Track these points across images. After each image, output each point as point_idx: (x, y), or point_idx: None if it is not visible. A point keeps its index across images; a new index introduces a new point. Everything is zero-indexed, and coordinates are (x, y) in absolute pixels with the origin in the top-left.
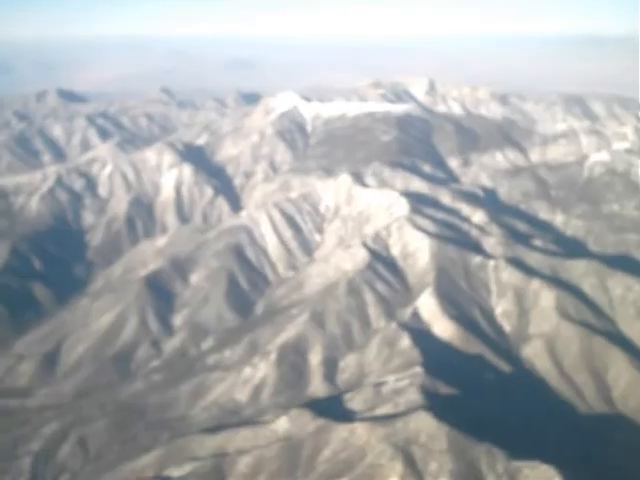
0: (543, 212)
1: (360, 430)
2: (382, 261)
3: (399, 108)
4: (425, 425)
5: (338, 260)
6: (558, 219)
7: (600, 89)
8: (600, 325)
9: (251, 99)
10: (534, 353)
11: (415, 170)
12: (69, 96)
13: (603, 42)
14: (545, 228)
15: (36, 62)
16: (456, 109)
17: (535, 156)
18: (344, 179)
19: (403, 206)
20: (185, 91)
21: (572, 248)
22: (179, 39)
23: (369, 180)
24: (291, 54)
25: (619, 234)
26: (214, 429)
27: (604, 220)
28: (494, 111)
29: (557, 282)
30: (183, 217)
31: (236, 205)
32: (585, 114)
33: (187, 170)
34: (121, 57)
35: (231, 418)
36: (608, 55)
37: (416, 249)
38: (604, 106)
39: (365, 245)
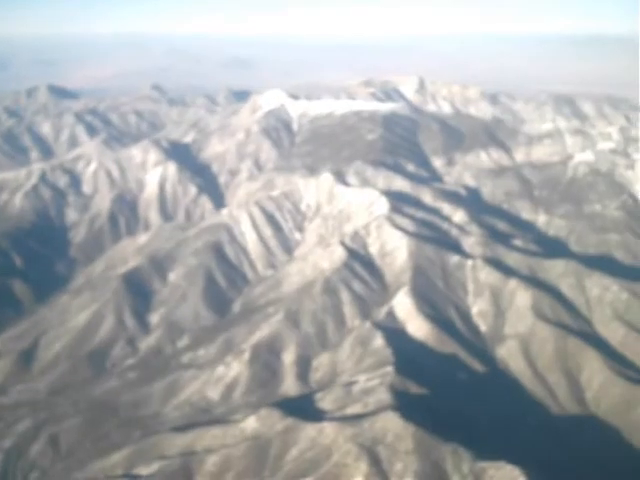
0: (526, 212)
1: (328, 430)
2: (360, 260)
3: (386, 107)
4: (392, 425)
5: (316, 259)
6: (540, 219)
7: (596, 89)
8: (576, 325)
9: (242, 97)
10: (509, 353)
11: (398, 169)
12: (60, 92)
13: (603, 42)
14: (527, 228)
15: (34, 59)
16: (446, 108)
17: (520, 156)
18: (326, 178)
19: (383, 205)
20: (179, 89)
21: (553, 248)
22: (178, 37)
23: (351, 179)
24: (290, 53)
25: (601, 234)
26: (184, 427)
27: (586, 220)
28: (484, 110)
29: (535, 282)
30: (166, 215)
31: (220, 203)
32: (574, 114)
33: (171, 168)
34: (119, 55)
35: (202, 416)
36: (607, 55)
37: (394, 248)
38: (594, 106)
39: (343, 244)
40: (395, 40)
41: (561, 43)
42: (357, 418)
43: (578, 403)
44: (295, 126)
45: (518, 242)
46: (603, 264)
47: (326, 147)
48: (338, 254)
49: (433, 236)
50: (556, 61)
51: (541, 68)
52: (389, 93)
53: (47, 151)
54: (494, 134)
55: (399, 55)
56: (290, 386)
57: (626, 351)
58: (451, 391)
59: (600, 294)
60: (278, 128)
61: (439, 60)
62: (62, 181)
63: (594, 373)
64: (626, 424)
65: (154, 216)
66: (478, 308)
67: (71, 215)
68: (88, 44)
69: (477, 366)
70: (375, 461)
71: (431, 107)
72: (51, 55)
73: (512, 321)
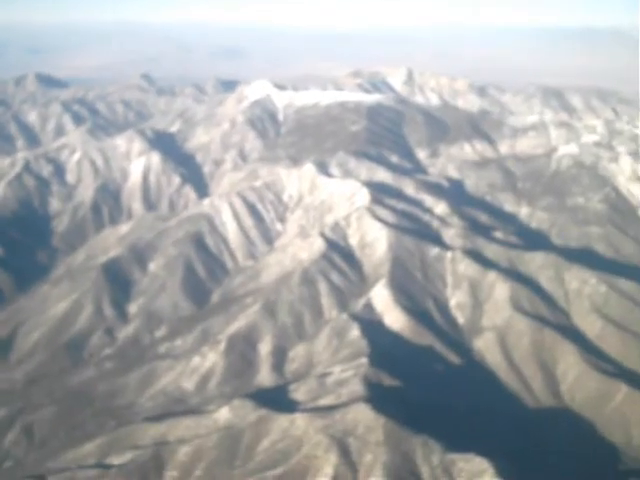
0: (509, 204)
1: (299, 421)
2: (339, 251)
3: (371, 98)
4: (363, 417)
5: (295, 249)
6: (523, 211)
7: (589, 82)
8: (554, 318)
9: (230, 86)
10: (485, 345)
11: (382, 160)
12: (48, 81)
13: (599, 34)
14: (509, 220)
15: (25, 47)
16: (433, 100)
17: (504, 148)
18: (308, 169)
19: (364, 196)
20: (170, 79)
21: (535, 240)
22: (171, 26)
23: (334, 170)
24: (283, 42)
25: (582, 227)
26: (158, 418)
27: (568, 213)
28: (472, 102)
29: (514, 274)
30: (150, 205)
31: (205, 193)
32: (562, 107)
33: (155, 158)
34: (111, 44)
35: (177, 407)
36: (603, 47)
37: (374, 239)
38: (581, 99)
39: (323, 235)
40: (390, 31)
41: (556, 35)
42: (329, 409)
43: (553, 396)
44: (281, 116)
45: (499, 234)
46: (584, 257)
47: (310, 138)
48: (317, 245)
49: (413, 228)
50: (550, 53)
51: (534, 60)
52: (377, 84)
53: (33, 140)
54: (479, 126)
55: (393, 46)
56: (265, 377)
57: (603, 344)
58: (426, 383)
59: (579, 287)
60: (263, 118)
61: (432, 51)
62: (46, 170)
63: (570, 366)
64: (600, 417)
65: (137, 206)
66: (456, 300)
67: (54, 204)
68: (81, 32)
69: (453, 358)
70: (345, 452)
71: (419, 99)
72: (43, 43)
73: (490, 313)
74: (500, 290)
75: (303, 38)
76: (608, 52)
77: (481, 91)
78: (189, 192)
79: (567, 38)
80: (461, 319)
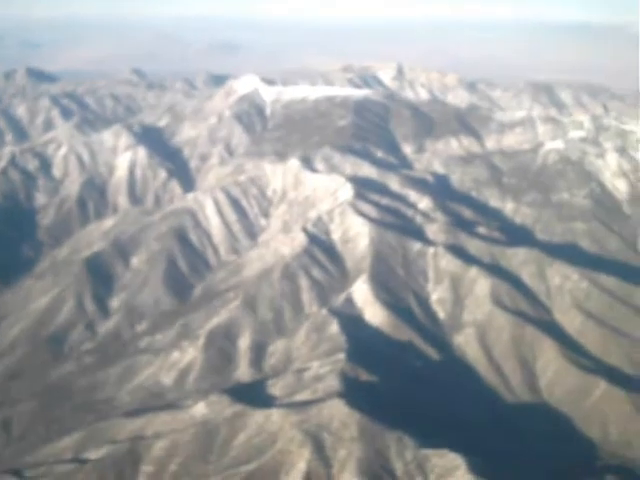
0: (494, 199)
1: (275, 416)
2: (321, 246)
3: (359, 93)
4: (337, 412)
5: (277, 244)
6: (508, 207)
7: (584, 78)
8: (535, 314)
9: (221, 81)
10: (465, 341)
11: (367, 155)
12: (39, 75)
13: (598, 30)
14: (494, 216)
15: (19, 41)
16: (423, 95)
17: (491, 143)
18: (293, 164)
19: (348, 191)
20: (164, 73)
21: (520, 236)
22: (167, 20)
23: (318, 165)
24: (281, 37)
25: (567, 223)
26: (135, 412)
27: (553, 208)
28: (461, 98)
29: (496, 270)
30: (135, 199)
31: (191, 188)
32: (552, 102)
33: (141, 152)
34: (107, 38)
35: (155, 402)
36: (602, 44)
37: (356, 234)
38: (571, 94)
39: (305, 230)
40: (388, 25)
41: (555, 31)
42: (304, 405)
43: (532, 391)
44: (268, 111)
45: (482, 230)
46: (567, 253)
47: (297, 132)
48: (299, 240)
49: (396, 223)
50: (548, 49)
51: (530, 56)
52: (367, 79)
53: (22, 134)
54: (466, 121)
55: (390, 40)
56: (244, 372)
57: (583, 340)
58: (404, 378)
59: (560, 282)
60: (251, 113)
61: (426, 46)
62: (32, 165)
63: (549, 361)
64: (578, 413)
65: (123, 200)
66: (437, 295)
67: (40, 199)
68: (78, 26)
69: (433, 353)
70: (319, 448)
71: (409, 94)
72: (40, 37)
73: (470, 309)
74: (481, 285)
75: (302, 32)
76: (608, 48)
77: (471, 86)
78: (175, 187)
79: (565, 34)
80: (442, 314)
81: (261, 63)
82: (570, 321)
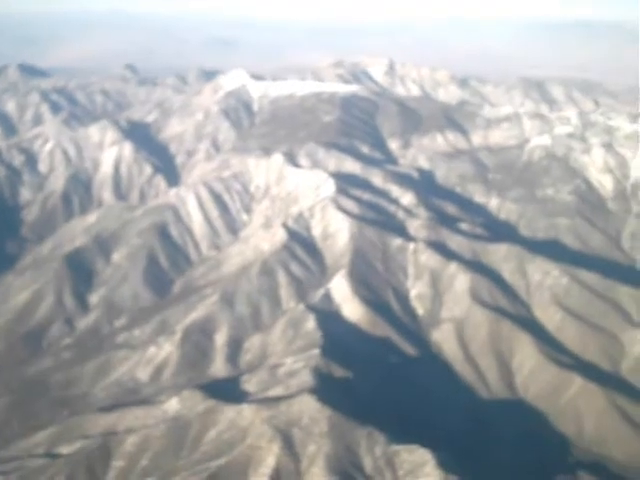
0: (478, 195)
1: (246, 412)
2: (301, 242)
3: (346, 89)
4: (308, 408)
5: (257, 240)
6: (493, 202)
7: (581, 74)
8: (514, 310)
9: (213, 77)
10: (443, 337)
11: (352, 151)
12: (31, 71)
13: (599, 27)
14: (479, 211)
15: (16, 37)
16: (414, 91)
17: (477, 139)
18: (276, 159)
19: (330, 187)
20: (159, 68)
21: (503, 232)
22: (165, 16)
23: (303, 160)
24: (278, 33)
25: (550, 218)
26: (109, 408)
27: (537, 204)
28: (452, 93)
29: (476, 266)
30: (120, 195)
31: (176, 183)
32: (543, 98)
33: (127, 148)
34: (104, 34)
35: (130, 397)
36: (599, 40)
37: (336, 230)
38: (563, 91)
39: (285, 225)
40: (388, 23)
41: (551, 27)
42: (276, 400)
43: (508, 387)
44: (255, 107)
45: (465, 226)
46: (550, 249)
47: (284, 128)
48: (279, 236)
49: (378, 219)
50: (544, 46)
51: (528, 53)
52: (358, 75)
53: (11, 130)
54: (452, 117)
55: (386, 37)
56: (219, 367)
57: (562, 336)
58: (379, 374)
59: (541, 278)
60: (238, 109)
61: (425, 43)
62: (17, 160)
63: (526, 358)
64: (553, 409)
65: (108, 196)
66: (417, 291)
67: (25, 194)
68: (76, 22)
69: (409, 349)
70: (288, 443)
71: (400, 90)
72: (36, 32)
73: (449, 305)
74: (460, 281)
75: (299, 29)
76: (607, 45)
77: (462, 82)
78: (160, 182)
79: (564, 31)
80: (421, 310)
81: (256, 60)
82: (549, 317)
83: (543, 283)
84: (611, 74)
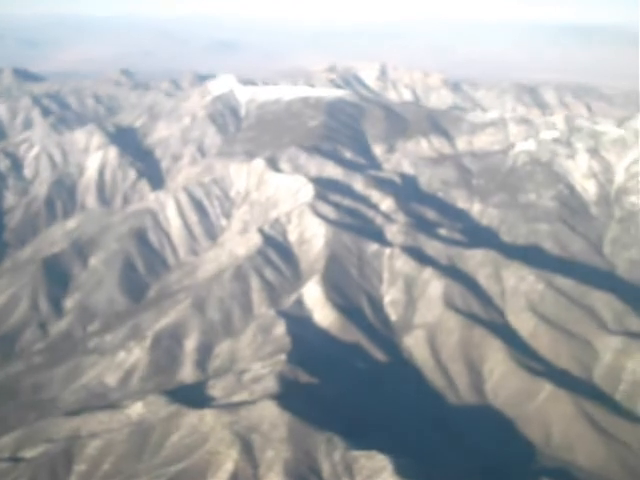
0: (461, 201)
1: (208, 417)
2: (276, 247)
3: (334, 93)
4: (268, 413)
5: (233, 245)
6: (475, 208)
7: (578, 78)
8: (487, 316)
9: (206, 81)
10: (415, 342)
11: (335, 156)
12: (25, 75)
13: (600, 31)
14: (461, 217)
15: (20, 40)
16: (406, 95)
17: (462, 144)
18: (257, 164)
19: (309, 192)
20: (157, 72)
21: (484, 237)
22: (167, 19)
23: (284, 165)
24: (280, 37)
25: (531, 224)
26: (75, 412)
27: (519, 210)
28: (444, 98)
29: (451, 271)
30: (104, 200)
31: (160, 188)
32: (536, 102)
33: (112, 152)
34: (106, 37)
35: (97, 402)
36: (602, 44)
37: (312, 236)
38: (556, 95)
39: (261, 231)
40: (392, 26)
41: (550, 31)
42: (238, 406)
43: (477, 394)
44: (242, 112)
45: (443, 231)
46: (529, 254)
47: (269, 133)
48: (254, 241)
49: (355, 224)
50: (542, 50)
51: (526, 56)
52: (349, 80)
53: (1, 134)
54: (438, 122)
55: (391, 42)
56: (188, 373)
57: (535, 342)
58: (347, 380)
59: (516, 284)
60: (225, 114)
61: (424, 47)
62: (3, 164)
63: (496, 364)
64: (521, 415)
65: (92, 201)
66: (390, 297)
67: (9, 199)
68: (75, 25)
69: (379, 355)
70: (247, 448)
71: (392, 94)
72: (39, 36)
73: (422, 310)
74: (434, 287)
75: (300, 32)
76: (606, 49)
77: (455, 87)
78: (144, 187)
79: (563, 35)
80: (394, 316)
81: (254, 63)
82: (523, 323)
83: (518, 289)
84: (609, 78)
